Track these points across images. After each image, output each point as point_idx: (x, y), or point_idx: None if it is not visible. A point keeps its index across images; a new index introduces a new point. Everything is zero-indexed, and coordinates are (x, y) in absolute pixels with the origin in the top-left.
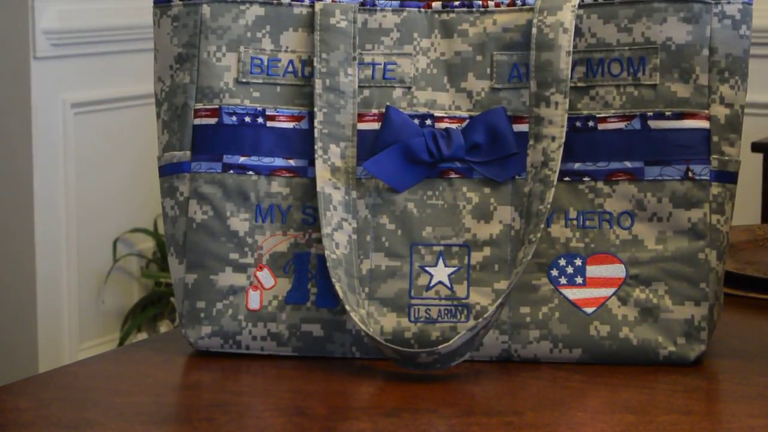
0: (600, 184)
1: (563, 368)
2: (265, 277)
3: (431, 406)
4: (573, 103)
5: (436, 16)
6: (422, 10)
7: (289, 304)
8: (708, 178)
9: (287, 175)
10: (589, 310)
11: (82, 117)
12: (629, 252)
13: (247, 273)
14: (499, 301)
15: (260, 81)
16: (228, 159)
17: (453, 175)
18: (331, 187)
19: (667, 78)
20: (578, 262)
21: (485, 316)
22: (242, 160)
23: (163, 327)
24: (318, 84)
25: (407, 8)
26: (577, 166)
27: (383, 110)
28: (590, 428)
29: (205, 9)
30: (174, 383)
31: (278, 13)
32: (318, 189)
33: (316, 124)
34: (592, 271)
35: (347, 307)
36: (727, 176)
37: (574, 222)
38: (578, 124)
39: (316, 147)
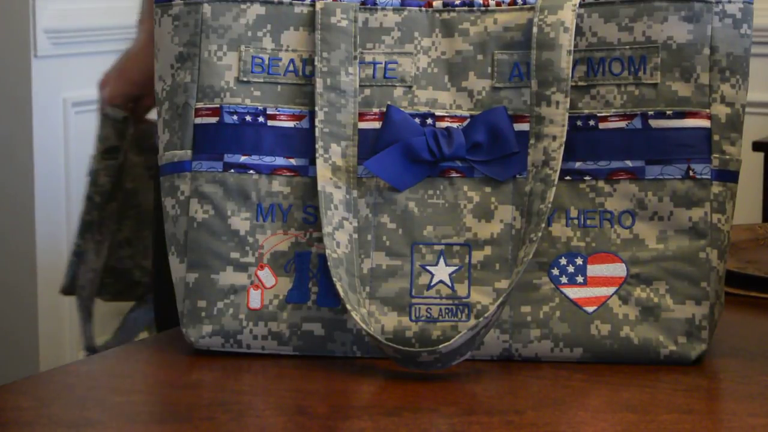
0: (601, 183)
1: (564, 367)
2: (266, 276)
3: (432, 405)
4: (574, 102)
5: (437, 15)
6: (423, 9)
7: (290, 304)
8: (709, 177)
9: (288, 174)
10: (590, 309)
11: (83, 116)
12: (630, 251)
13: (248, 272)
14: (500, 300)
15: (261, 80)
16: (229, 158)
17: (454, 174)
18: (332, 187)
19: (668, 77)
20: (579, 261)
21: (486, 315)
22: (243, 159)
23: None
24: (319, 83)
25: (408, 7)
26: (578, 165)
27: (384, 109)
28: (591, 427)
29: (206, 8)
30: (175, 382)
31: (279, 12)
32: (319, 188)
33: (317, 123)
34: (593, 270)
35: (348, 307)
36: (728, 175)
37: (575, 221)
38: (579, 123)
39: (316, 146)
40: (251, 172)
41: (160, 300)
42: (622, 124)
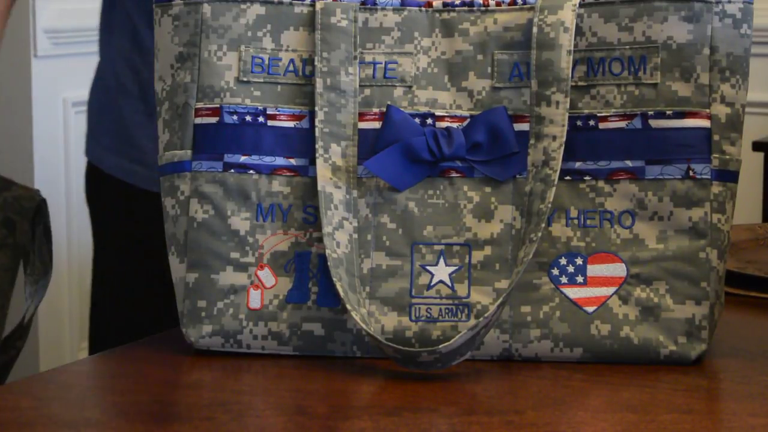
0: (601, 183)
1: (564, 367)
2: (266, 276)
3: (432, 405)
4: (574, 102)
5: (437, 15)
6: (423, 9)
7: (290, 304)
8: (709, 177)
9: (288, 174)
10: (590, 309)
11: (83, 116)
12: (630, 251)
13: (248, 272)
14: (500, 300)
15: (261, 80)
16: (229, 158)
17: (454, 174)
18: (332, 187)
19: (668, 77)
20: (579, 261)
21: (486, 315)
22: (243, 159)
23: None
24: (319, 83)
25: (408, 7)
26: (578, 165)
27: (384, 109)
28: (591, 427)
29: (206, 8)
30: (175, 382)
31: (279, 12)
32: (319, 188)
33: (317, 123)
34: (593, 270)
35: (348, 307)
36: (728, 175)
37: (575, 221)
38: (579, 123)
39: (316, 146)
40: (251, 172)
41: (98, 315)
42: (622, 124)
